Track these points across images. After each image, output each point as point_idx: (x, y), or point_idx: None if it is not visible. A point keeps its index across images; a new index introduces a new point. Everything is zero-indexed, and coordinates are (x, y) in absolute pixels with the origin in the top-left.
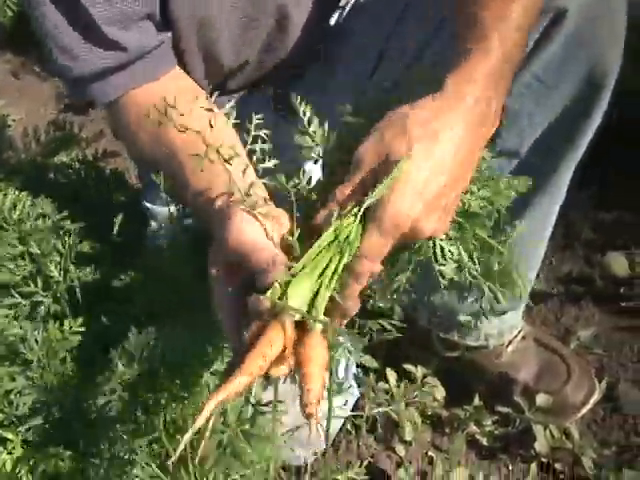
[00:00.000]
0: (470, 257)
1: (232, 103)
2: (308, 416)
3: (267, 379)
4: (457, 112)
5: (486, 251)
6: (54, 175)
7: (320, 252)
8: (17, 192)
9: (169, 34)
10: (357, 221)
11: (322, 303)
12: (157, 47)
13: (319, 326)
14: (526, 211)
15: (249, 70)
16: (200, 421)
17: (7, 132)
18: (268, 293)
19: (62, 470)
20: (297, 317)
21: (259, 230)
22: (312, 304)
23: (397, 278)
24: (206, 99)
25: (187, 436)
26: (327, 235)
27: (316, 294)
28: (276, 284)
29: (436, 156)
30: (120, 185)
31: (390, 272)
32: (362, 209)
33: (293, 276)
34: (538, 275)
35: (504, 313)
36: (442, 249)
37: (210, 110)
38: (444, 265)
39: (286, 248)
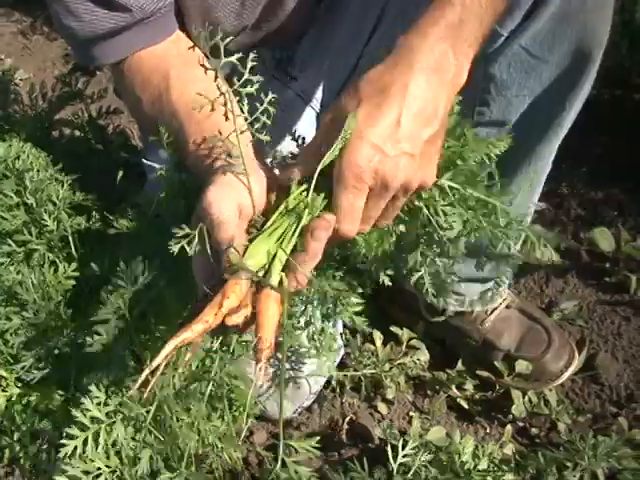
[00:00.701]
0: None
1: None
2: (257, 361)
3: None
4: (405, 65)
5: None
6: (58, 130)
7: (282, 217)
8: (22, 144)
9: (171, 1)
10: (313, 184)
11: (278, 263)
12: (160, 10)
13: (272, 284)
14: (512, 183)
15: (248, 33)
16: (157, 360)
17: (14, 89)
18: (229, 254)
19: (53, 407)
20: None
21: (229, 203)
22: (270, 264)
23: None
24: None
25: (144, 373)
26: (288, 200)
27: (274, 255)
28: (232, 250)
29: (388, 107)
30: (122, 142)
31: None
32: (317, 170)
33: (251, 240)
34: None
35: (489, 280)
36: (445, 213)
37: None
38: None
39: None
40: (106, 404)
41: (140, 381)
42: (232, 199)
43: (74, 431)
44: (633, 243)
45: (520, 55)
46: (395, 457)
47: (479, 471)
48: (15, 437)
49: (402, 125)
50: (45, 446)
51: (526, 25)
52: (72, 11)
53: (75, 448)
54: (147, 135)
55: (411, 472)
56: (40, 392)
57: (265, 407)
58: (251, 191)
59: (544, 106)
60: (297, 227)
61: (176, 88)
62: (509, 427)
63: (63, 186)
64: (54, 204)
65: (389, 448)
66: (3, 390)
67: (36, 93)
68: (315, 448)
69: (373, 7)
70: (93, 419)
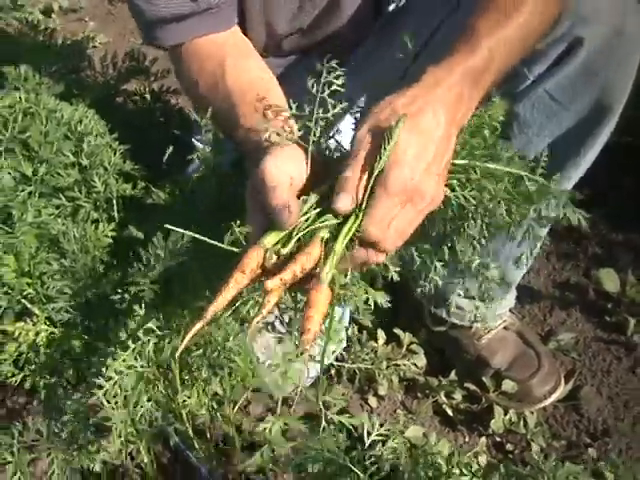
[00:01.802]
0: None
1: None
2: (303, 351)
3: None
4: (433, 95)
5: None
6: (123, 99)
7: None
8: (86, 109)
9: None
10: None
11: (333, 259)
12: (222, 3)
13: (328, 279)
14: None
15: (301, 37)
16: (199, 325)
17: (90, 53)
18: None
19: (75, 347)
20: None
21: (282, 171)
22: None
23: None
24: (259, 56)
25: (189, 335)
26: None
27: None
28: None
29: (423, 129)
30: (178, 120)
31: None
32: (372, 180)
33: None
34: (539, 275)
35: (491, 300)
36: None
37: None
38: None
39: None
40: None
41: (185, 341)
42: (284, 169)
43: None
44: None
45: (544, 99)
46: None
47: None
48: (38, 369)
49: (435, 148)
50: (61, 382)
51: (552, 72)
52: None
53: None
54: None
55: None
56: (65, 333)
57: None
58: (305, 163)
59: (561, 149)
60: (352, 228)
61: (231, 75)
62: (484, 439)
63: (116, 154)
64: (105, 169)
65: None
66: (33, 324)
67: (107, 62)
68: None
69: (425, 29)
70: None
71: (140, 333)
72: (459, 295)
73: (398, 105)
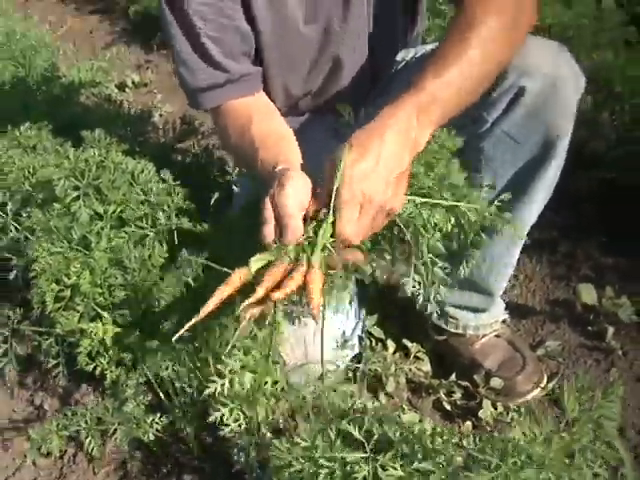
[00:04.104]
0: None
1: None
2: (313, 317)
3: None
4: (384, 127)
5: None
6: (179, 155)
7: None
8: (147, 162)
9: (260, 68)
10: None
11: (318, 249)
12: (250, 74)
13: (317, 265)
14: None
15: (313, 97)
16: (206, 309)
17: (155, 119)
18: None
19: (133, 343)
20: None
21: (295, 196)
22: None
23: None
24: (279, 115)
25: (193, 320)
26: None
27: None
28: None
29: (370, 150)
30: (222, 169)
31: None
32: (333, 197)
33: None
34: (534, 295)
35: (480, 311)
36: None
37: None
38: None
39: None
40: None
41: (193, 322)
42: (299, 197)
43: None
44: (616, 300)
45: (502, 137)
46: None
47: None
48: (105, 360)
49: (379, 164)
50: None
51: (506, 116)
52: (188, 65)
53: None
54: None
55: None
56: (126, 331)
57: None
58: (310, 188)
59: (520, 179)
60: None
61: (256, 127)
62: (469, 423)
63: (177, 194)
64: (168, 206)
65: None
66: (102, 325)
67: (168, 126)
68: None
69: None
70: None
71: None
72: (453, 307)
73: (353, 138)
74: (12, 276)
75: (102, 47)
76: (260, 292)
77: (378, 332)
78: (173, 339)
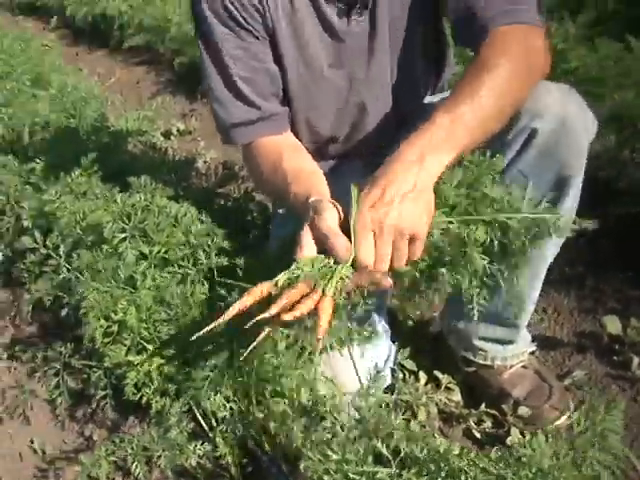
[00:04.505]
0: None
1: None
2: (317, 340)
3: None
4: (392, 162)
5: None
6: (221, 199)
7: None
8: (189, 205)
9: (287, 109)
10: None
11: (334, 280)
12: (279, 114)
13: (330, 293)
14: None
15: (341, 143)
16: (224, 318)
17: (198, 165)
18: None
19: (176, 374)
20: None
21: (335, 220)
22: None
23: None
24: (307, 153)
25: (207, 328)
26: None
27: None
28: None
29: (379, 182)
30: (259, 211)
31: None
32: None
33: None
34: (562, 328)
35: (507, 343)
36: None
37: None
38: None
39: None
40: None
41: (213, 325)
42: (333, 218)
43: None
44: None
45: (518, 177)
46: None
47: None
48: (150, 390)
49: (385, 192)
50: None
51: (520, 156)
52: (221, 102)
53: None
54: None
55: None
56: (170, 363)
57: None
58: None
59: None
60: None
61: (287, 163)
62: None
63: (217, 235)
64: (208, 246)
65: None
66: (148, 357)
67: (210, 171)
68: None
69: None
70: None
71: None
72: (481, 340)
73: (371, 178)
74: (64, 313)
75: (148, 97)
76: (274, 310)
77: (410, 364)
78: (193, 337)
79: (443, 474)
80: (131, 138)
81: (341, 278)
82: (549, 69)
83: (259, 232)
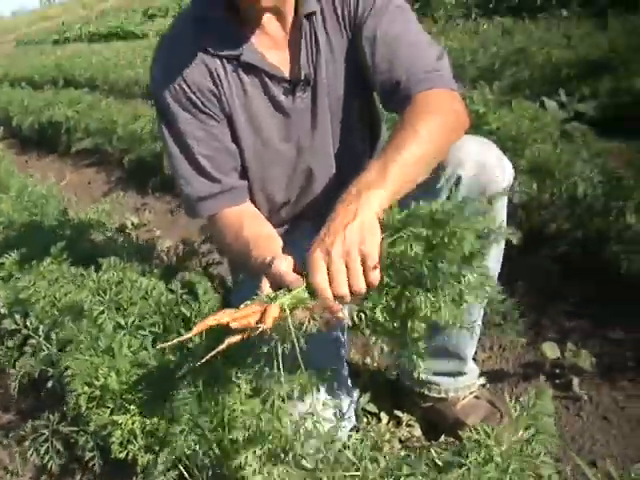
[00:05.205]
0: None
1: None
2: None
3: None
4: (338, 204)
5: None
6: (185, 273)
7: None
8: (157, 280)
9: (246, 181)
10: None
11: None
12: (239, 187)
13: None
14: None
15: (292, 206)
16: (189, 334)
17: (158, 251)
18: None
19: (156, 430)
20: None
21: (288, 266)
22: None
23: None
24: (265, 219)
25: (173, 341)
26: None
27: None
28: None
29: (323, 228)
30: (220, 282)
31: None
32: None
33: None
34: (507, 361)
35: (457, 374)
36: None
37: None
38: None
39: None
40: None
41: (172, 342)
42: (288, 266)
43: None
44: (576, 352)
45: None
46: None
47: None
48: (136, 447)
49: (329, 229)
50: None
51: (452, 195)
52: (186, 178)
53: None
54: (234, 270)
55: None
56: (151, 420)
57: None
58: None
59: None
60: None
61: (248, 230)
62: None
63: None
64: (176, 316)
65: None
66: (131, 416)
67: (171, 252)
68: None
69: None
70: None
71: None
72: (434, 375)
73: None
74: (50, 384)
75: (101, 195)
76: (225, 318)
77: (372, 407)
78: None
79: None
80: (92, 229)
81: (297, 301)
82: (469, 124)
83: (221, 297)
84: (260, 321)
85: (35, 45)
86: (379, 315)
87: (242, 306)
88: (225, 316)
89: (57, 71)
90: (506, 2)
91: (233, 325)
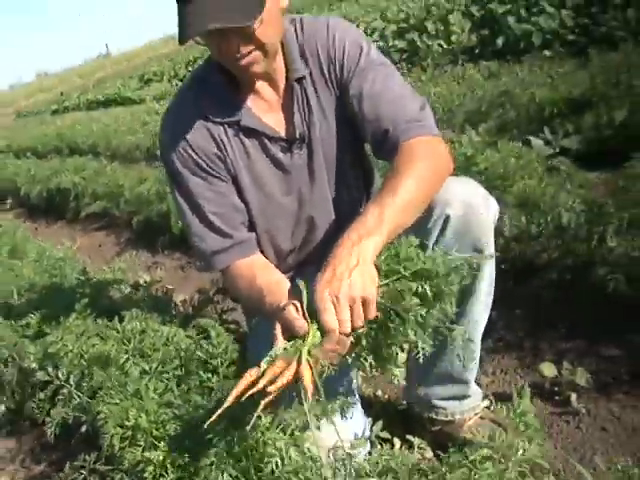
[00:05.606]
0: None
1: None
2: (305, 392)
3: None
4: (341, 247)
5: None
6: (197, 321)
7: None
8: (176, 327)
9: (254, 234)
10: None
11: (305, 349)
12: (248, 240)
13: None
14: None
15: (297, 253)
16: (227, 402)
17: (174, 303)
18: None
19: (186, 464)
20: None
21: (295, 310)
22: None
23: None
24: (274, 267)
25: (215, 415)
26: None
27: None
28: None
29: (328, 269)
30: (235, 329)
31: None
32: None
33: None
34: (510, 384)
35: (462, 398)
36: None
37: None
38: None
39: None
40: None
41: (217, 413)
42: (298, 312)
43: None
44: (572, 370)
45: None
46: None
47: None
48: None
49: (335, 272)
50: None
51: (442, 238)
52: (199, 235)
53: None
54: (247, 315)
55: None
56: (181, 454)
57: None
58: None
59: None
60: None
61: (260, 279)
62: None
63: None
64: (195, 359)
65: None
66: (161, 452)
67: (187, 304)
68: None
69: None
70: None
71: None
72: (440, 400)
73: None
74: (83, 429)
75: (113, 257)
76: (261, 384)
77: (384, 434)
78: (205, 424)
79: None
80: (110, 287)
81: (313, 345)
82: (453, 166)
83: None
84: (296, 381)
85: (34, 116)
86: (364, 340)
87: (263, 362)
88: (260, 380)
89: (59, 140)
90: (491, 47)
91: (270, 389)
